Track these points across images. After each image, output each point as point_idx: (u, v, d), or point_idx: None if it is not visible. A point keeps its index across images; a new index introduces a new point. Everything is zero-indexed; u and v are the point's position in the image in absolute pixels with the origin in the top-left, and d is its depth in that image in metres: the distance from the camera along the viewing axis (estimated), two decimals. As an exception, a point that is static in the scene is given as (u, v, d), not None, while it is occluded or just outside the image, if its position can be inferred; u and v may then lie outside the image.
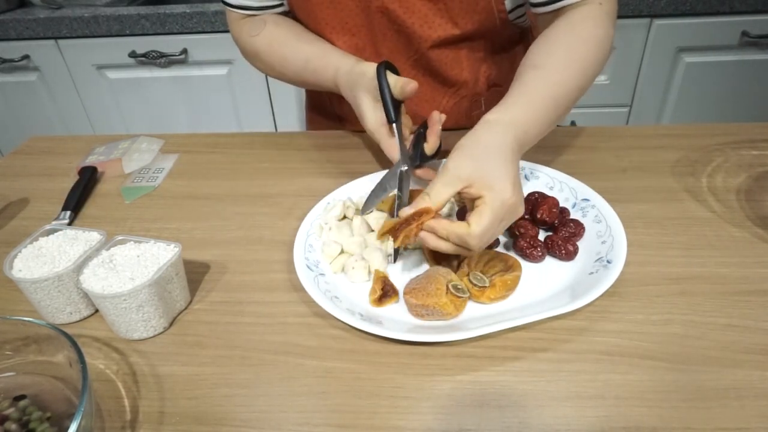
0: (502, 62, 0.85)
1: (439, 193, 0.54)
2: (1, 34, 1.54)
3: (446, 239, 0.54)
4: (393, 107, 0.66)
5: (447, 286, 0.54)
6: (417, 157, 0.67)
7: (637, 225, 0.65)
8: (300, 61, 0.78)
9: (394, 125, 0.67)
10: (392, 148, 0.68)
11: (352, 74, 0.71)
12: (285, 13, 0.85)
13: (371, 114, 0.69)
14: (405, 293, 0.55)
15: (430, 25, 0.75)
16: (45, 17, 1.50)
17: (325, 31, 0.79)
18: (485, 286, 0.55)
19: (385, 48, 0.79)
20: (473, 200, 0.54)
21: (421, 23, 0.75)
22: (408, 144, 0.69)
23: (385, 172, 0.69)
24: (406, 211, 0.54)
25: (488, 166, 0.54)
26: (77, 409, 0.40)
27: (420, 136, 0.69)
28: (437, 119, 0.70)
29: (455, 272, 0.58)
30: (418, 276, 0.57)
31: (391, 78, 0.67)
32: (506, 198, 0.53)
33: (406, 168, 0.66)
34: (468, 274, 0.57)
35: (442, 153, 0.71)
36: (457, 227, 0.53)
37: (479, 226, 0.52)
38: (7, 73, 1.63)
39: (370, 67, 0.69)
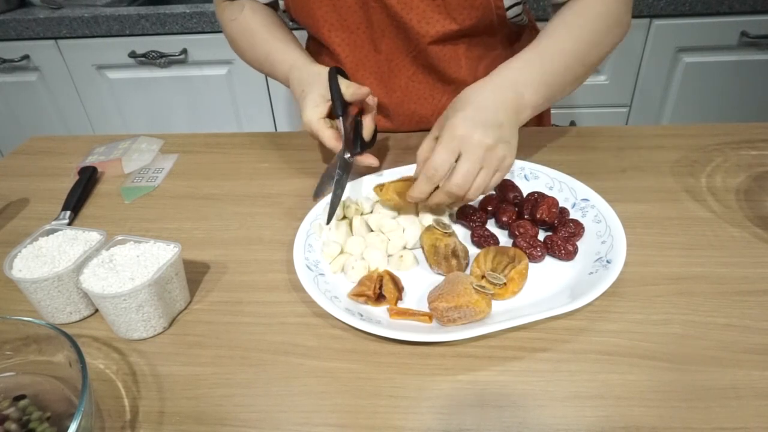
0: (501, 61, 0.84)
1: (423, 147, 0.62)
2: (1, 34, 1.54)
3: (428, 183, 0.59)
4: (341, 104, 0.69)
5: (472, 286, 0.54)
6: (357, 145, 0.71)
7: (637, 225, 0.65)
8: (263, 52, 0.81)
9: (339, 119, 0.69)
10: (332, 138, 0.70)
11: (306, 72, 0.74)
12: (274, 3, 0.85)
13: (312, 109, 0.70)
14: (431, 301, 0.54)
15: (427, 21, 0.75)
16: (45, 17, 1.50)
17: (323, 29, 0.79)
18: (505, 283, 0.56)
19: (384, 44, 0.80)
20: None
21: (418, 19, 0.75)
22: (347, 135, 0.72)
23: (380, 173, 0.74)
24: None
25: (454, 109, 0.60)
26: (77, 409, 0.40)
27: (357, 124, 0.72)
28: (371, 104, 0.73)
29: (455, 270, 0.58)
30: (438, 285, 0.56)
31: (344, 82, 0.70)
32: (452, 127, 0.57)
33: (348, 155, 0.69)
34: (483, 276, 0.57)
35: (378, 140, 0.77)
36: (416, 179, 0.60)
37: (431, 160, 0.58)
38: (7, 73, 1.63)
39: (324, 69, 0.72)
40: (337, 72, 0.71)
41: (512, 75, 0.63)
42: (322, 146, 0.77)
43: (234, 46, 0.87)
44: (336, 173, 0.67)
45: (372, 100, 0.73)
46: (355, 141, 0.71)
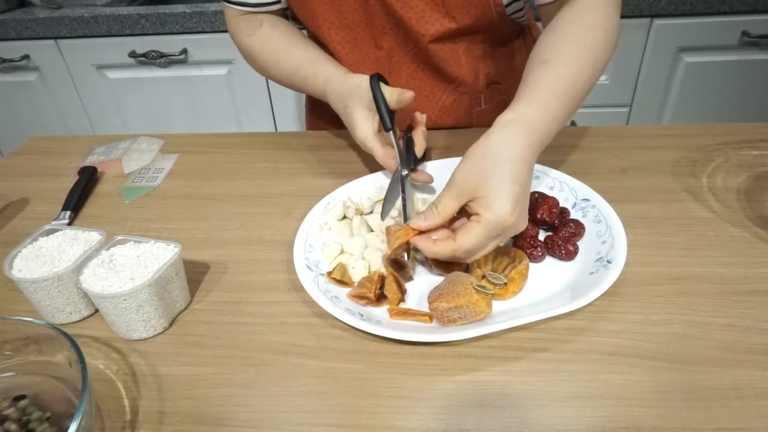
0: (501, 60, 0.85)
1: (446, 207, 0.55)
2: (1, 34, 1.54)
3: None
4: (388, 116, 0.68)
5: (473, 287, 0.54)
6: (411, 162, 0.70)
7: (637, 225, 0.65)
8: (291, 67, 0.79)
9: (390, 133, 0.68)
10: (386, 156, 0.69)
11: (344, 85, 0.72)
12: (284, 12, 0.85)
13: (363, 124, 0.70)
14: (432, 301, 0.54)
15: (427, 19, 0.75)
16: (45, 17, 1.50)
17: (322, 27, 0.79)
18: (505, 283, 0.56)
19: (385, 42, 0.80)
20: (470, 214, 0.55)
21: (418, 18, 0.75)
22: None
23: (380, 173, 0.73)
24: (420, 225, 0.55)
25: (492, 183, 0.52)
26: (77, 409, 0.40)
27: (409, 141, 0.71)
28: (420, 120, 0.72)
29: (455, 270, 0.58)
30: (438, 285, 0.56)
31: (387, 89, 0.69)
32: (503, 220, 0.52)
33: (406, 173, 0.68)
34: (483, 276, 0.57)
35: (428, 153, 0.75)
36: (443, 247, 0.54)
37: (466, 243, 0.53)
38: (7, 73, 1.63)
39: (364, 79, 0.70)
40: (378, 79, 0.69)
41: (539, 120, 0.57)
42: (322, 147, 0.76)
43: (251, 61, 0.85)
44: (398, 191, 0.66)
45: (421, 116, 0.73)
46: (408, 157, 0.70)
